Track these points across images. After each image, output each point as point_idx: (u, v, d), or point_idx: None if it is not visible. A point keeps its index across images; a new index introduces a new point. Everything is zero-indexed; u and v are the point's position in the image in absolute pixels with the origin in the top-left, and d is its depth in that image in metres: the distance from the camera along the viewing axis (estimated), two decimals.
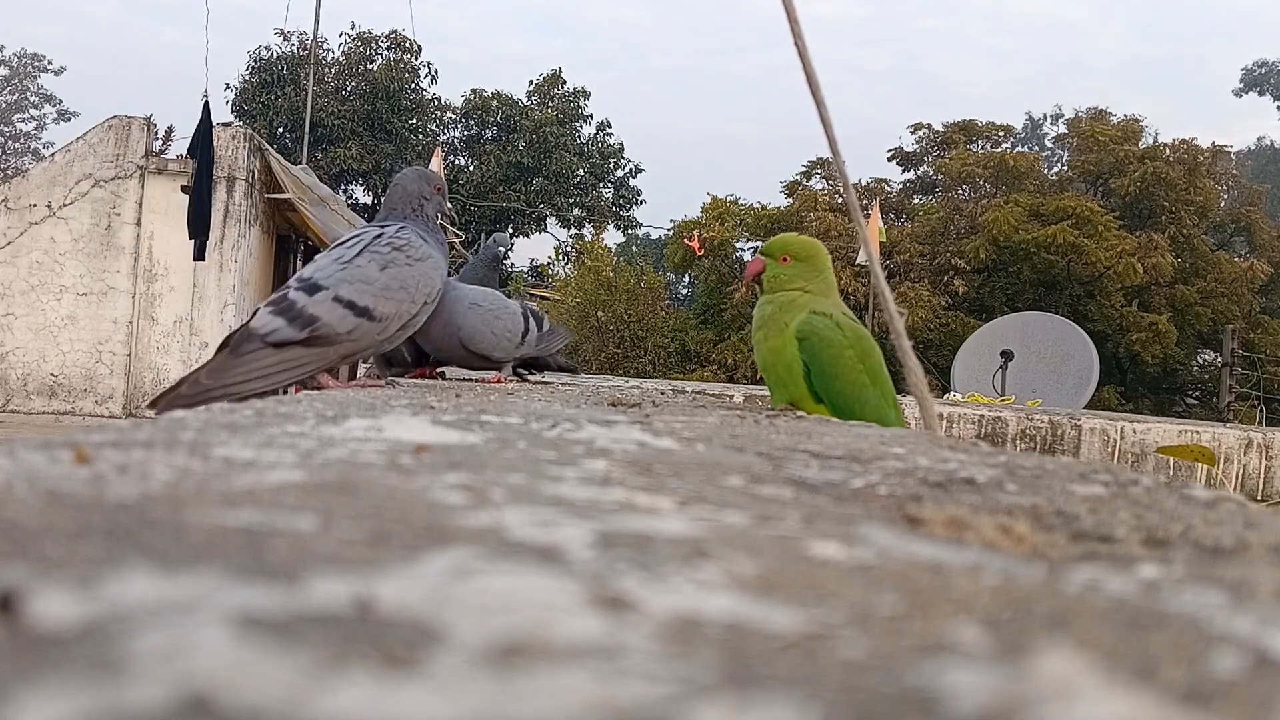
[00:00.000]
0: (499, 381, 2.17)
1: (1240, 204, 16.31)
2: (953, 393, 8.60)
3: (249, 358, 1.47)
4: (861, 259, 10.86)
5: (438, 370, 2.35)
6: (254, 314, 1.57)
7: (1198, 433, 4.44)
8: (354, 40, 20.03)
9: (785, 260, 1.62)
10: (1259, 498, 4.28)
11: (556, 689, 0.22)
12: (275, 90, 18.94)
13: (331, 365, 1.58)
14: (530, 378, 2.51)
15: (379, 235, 1.67)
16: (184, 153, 9.02)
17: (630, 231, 24.84)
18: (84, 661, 0.22)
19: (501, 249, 2.74)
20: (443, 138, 20.24)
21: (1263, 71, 33.68)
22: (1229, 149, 16.90)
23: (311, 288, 1.56)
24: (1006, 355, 8.89)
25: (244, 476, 0.45)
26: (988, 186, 15.46)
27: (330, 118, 18.67)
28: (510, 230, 19.28)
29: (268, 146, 9.26)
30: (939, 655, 0.25)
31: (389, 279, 1.61)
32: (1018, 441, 4.29)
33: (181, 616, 0.25)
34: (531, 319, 2.32)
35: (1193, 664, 0.26)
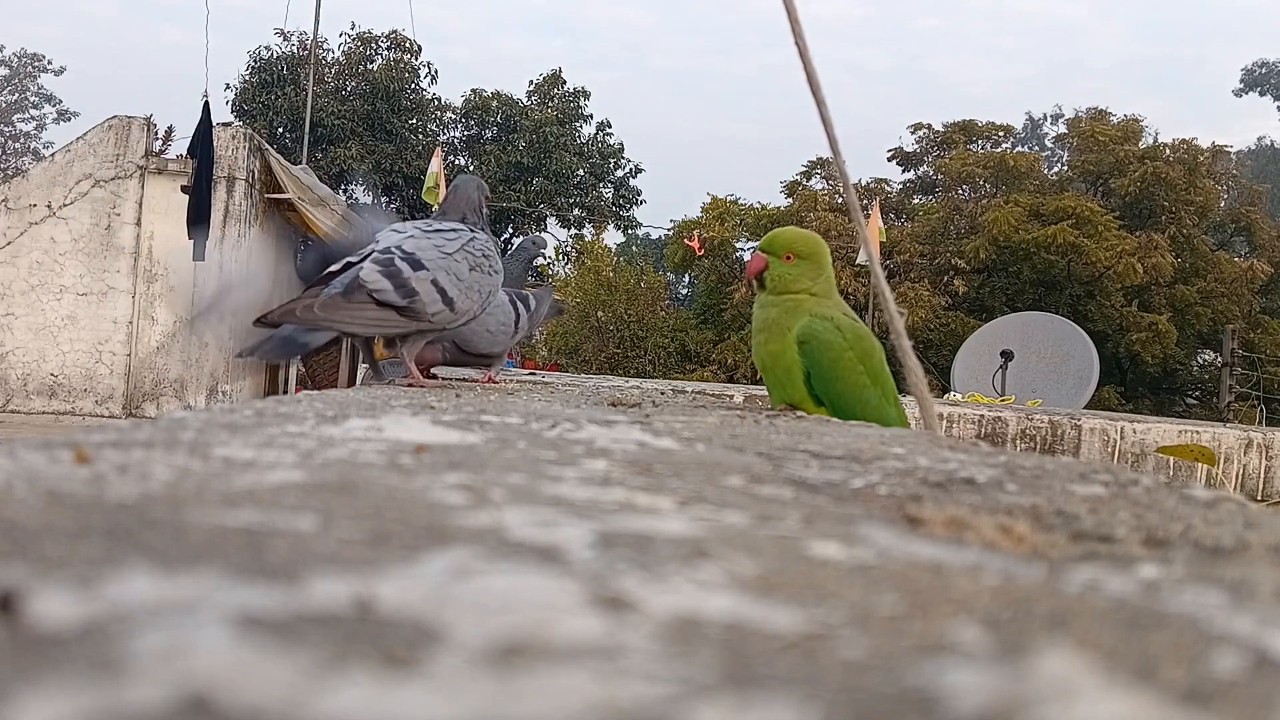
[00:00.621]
0: (490, 381, 2.17)
1: (1240, 204, 16.30)
2: (953, 393, 8.59)
3: (356, 306, 1.64)
4: (861, 259, 10.86)
5: (430, 372, 2.35)
6: (346, 265, 1.69)
7: (1198, 433, 4.44)
8: (354, 40, 20.02)
9: (789, 259, 1.57)
10: (1259, 498, 4.28)
11: (556, 689, 0.22)
12: (275, 90, 18.94)
13: (403, 335, 1.74)
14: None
15: (474, 239, 1.82)
16: (184, 153, 9.02)
17: (630, 231, 24.82)
18: (84, 661, 0.22)
19: (540, 250, 2.77)
20: (443, 138, 20.21)
21: (1263, 71, 33.66)
22: (1229, 149, 16.88)
23: (415, 263, 1.70)
24: (1006, 355, 8.89)
25: (244, 476, 0.45)
26: (988, 186, 15.45)
27: (330, 118, 18.67)
28: (510, 230, 19.29)
29: (268, 146, 9.26)
30: (939, 655, 0.25)
31: (473, 280, 1.77)
32: (1018, 441, 4.29)
33: (181, 616, 0.25)
34: (520, 305, 2.32)
35: (1193, 664, 0.26)
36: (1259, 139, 35.76)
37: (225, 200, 8.78)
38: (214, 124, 8.73)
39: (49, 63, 30.12)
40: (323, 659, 0.23)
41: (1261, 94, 33.73)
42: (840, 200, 13.40)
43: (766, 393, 1.67)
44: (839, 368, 1.53)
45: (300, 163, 12.11)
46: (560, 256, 19.15)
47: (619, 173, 21.27)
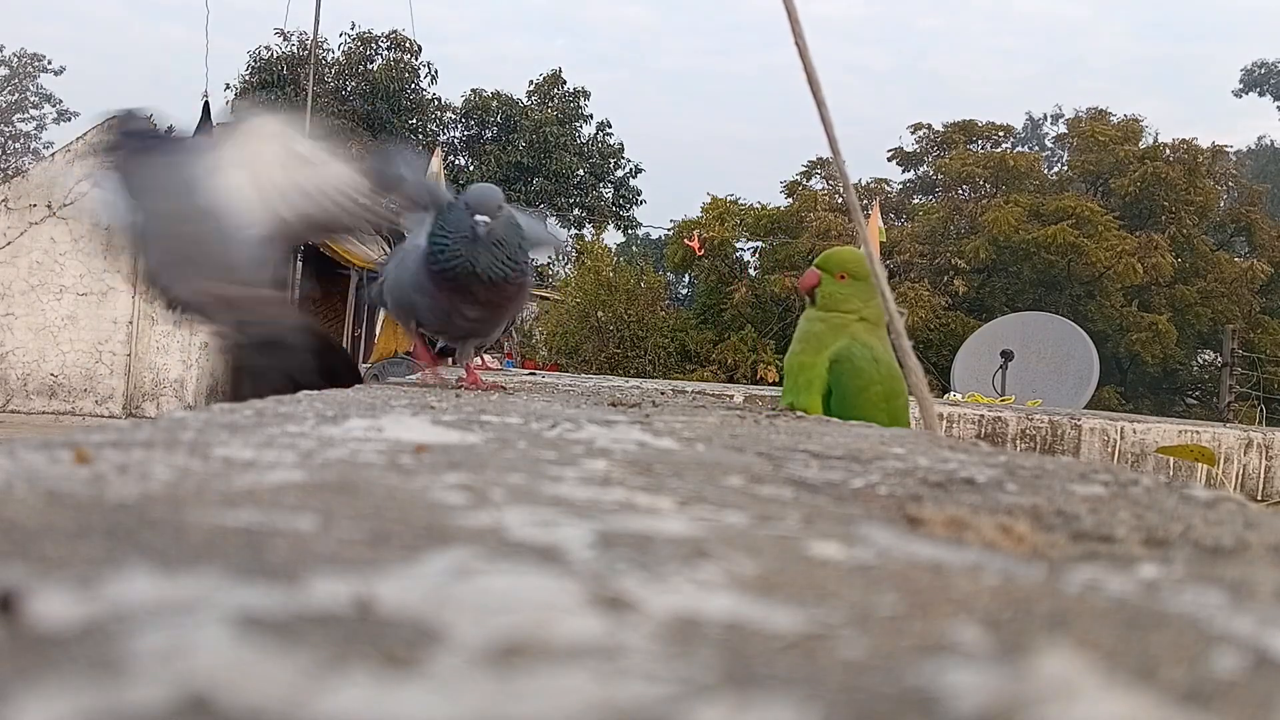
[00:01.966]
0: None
1: (1240, 204, 16.28)
2: (953, 393, 8.59)
3: None
4: None
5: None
6: None
7: (1198, 433, 4.44)
8: (354, 40, 20.03)
9: (842, 278, 1.57)
10: (1259, 498, 4.28)
11: (556, 689, 0.22)
12: (275, 90, 18.95)
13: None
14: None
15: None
16: None
17: (630, 231, 24.81)
18: (84, 661, 0.22)
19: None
20: (443, 138, 20.22)
21: (1263, 72, 33.62)
22: (1229, 149, 16.86)
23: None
24: (1006, 355, 8.88)
25: (244, 476, 0.45)
26: (988, 186, 15.44)
27: (330, 118, 18.67)
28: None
29: None
30: (939, 655, 0.25)
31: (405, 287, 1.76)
32: (1018, 441, 4.29)
33: (181, 616, 0.25)
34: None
35: (1193, 664, 0.26)
36: (1259, 139, 35.72)
37: None
38: (214, 124, 8.72)
39: (49, 63, 30.10)
40: (323, 659, 0.23)
41: (1261, 94, 33.69)
42: (840, 200, 13.38)
43: (767, 393, 1.66)
44: (862, 397, 1.51)
45: None
46: (560, 257, 19.14)
47: (619, 173, 21.28)
